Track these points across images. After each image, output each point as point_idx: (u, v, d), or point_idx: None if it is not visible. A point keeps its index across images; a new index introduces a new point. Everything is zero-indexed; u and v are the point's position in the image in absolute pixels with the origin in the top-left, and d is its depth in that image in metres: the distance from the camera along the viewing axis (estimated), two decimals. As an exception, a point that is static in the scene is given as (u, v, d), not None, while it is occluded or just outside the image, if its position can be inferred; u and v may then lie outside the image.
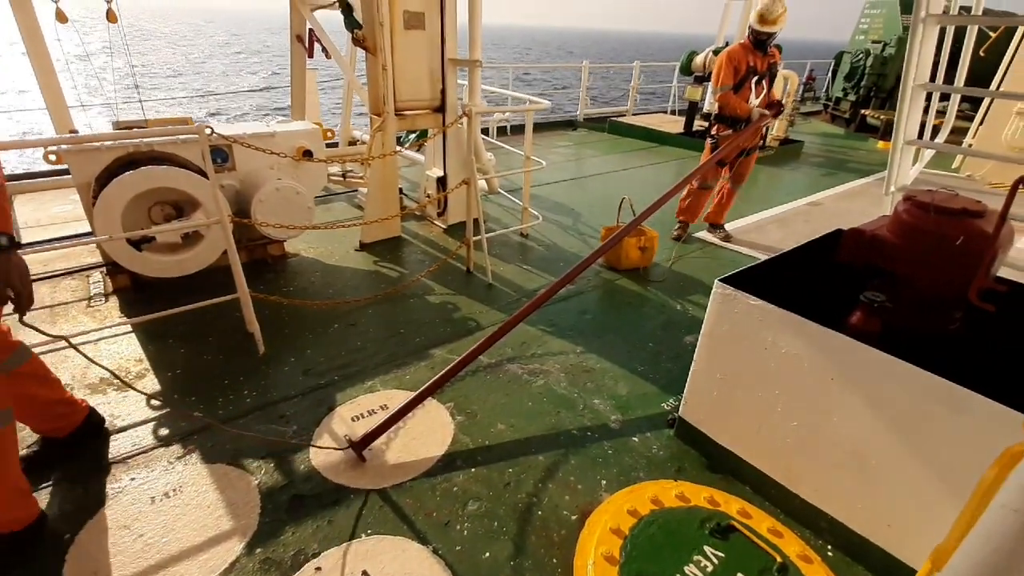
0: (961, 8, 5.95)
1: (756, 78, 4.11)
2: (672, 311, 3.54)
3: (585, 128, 10.16)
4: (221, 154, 3.54)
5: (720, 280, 1.99)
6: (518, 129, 9.65)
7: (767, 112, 4.03)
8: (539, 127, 10.07)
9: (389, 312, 3.36)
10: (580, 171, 7.29)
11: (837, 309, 2.00)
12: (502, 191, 5.43)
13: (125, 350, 2.86)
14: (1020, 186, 1.47)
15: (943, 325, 1.94)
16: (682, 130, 9.26)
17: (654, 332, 3.26)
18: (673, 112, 11.22)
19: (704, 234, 4.90)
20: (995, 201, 1.76)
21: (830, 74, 13.44)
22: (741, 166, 4.47)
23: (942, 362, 1.52)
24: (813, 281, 2.26)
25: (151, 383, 2.62)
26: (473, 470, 2.14)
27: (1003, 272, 1.96)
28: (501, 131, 8.83)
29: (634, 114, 11.03)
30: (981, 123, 7.49)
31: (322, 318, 3.23)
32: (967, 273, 1.80)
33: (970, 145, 7.44)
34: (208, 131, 2.59)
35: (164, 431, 2.30)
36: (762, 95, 4.17)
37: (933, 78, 3.22)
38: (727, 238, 4.81)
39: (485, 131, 8.72)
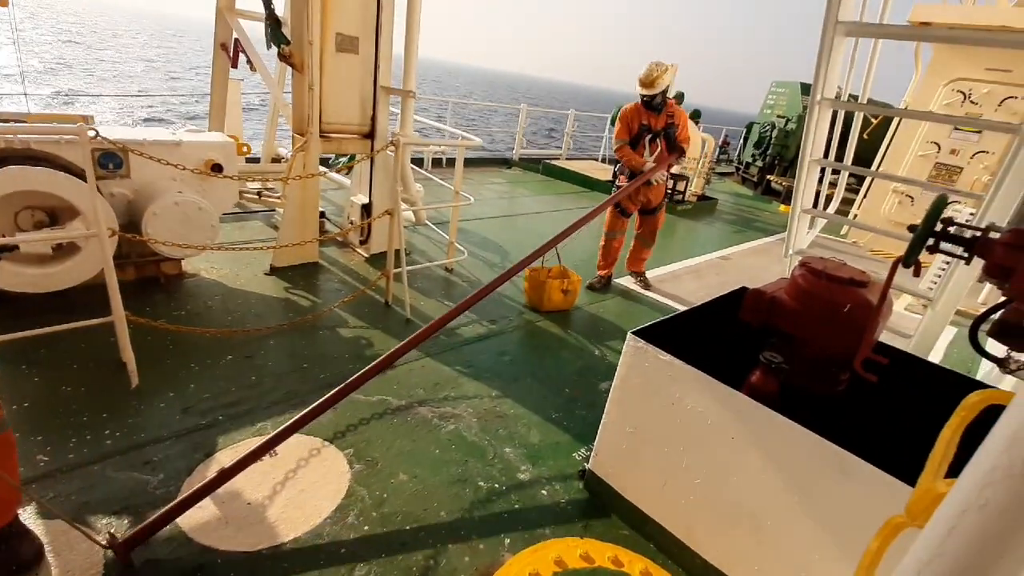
0: (850, 95, 6.78)
1: (650, 136, 4.33)
2: (590, 356, 3.55)
3: (520, 167, 10.37)
4: (115, 159, 3.19)
5: (633, 332, 1.99)
6: (454, 162, 9.69)
7: (656, 164, 4.26)
8: (475, 163, 10.16)
9: (294, 344, 3.11)
10: (512, 209, 7.37)
11: (743, 364, 2.07)
12: (430, 223, 5.34)
13: (-42, 376, 2.41)
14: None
15: (832, 386, 2.06)
16: (610, 178, 9.70)
17: (571, 377, 3.23)
18: (603, 160, 11.77)
19: (626, 279, 5.05)
20: (873, 266, 1.90)
21: (742, 140, 14.77)
22: (649, 223, 4.70)
23: (842, 424, 1.59)
24: (721, 335, 2.34)
25: (-15, 419, 2.20)
26: (366, 528, 1.95)
27: (883, 337, 2.12)
28: (437, 163, 8.80)
29: (567, 158, 11.44)
30: (864, 197, 8.46)
31: (214, 348, 2.92)
32: (852, 338, 1.92)
33: (855, 216, 8.36)
34: (92, 133, 2.31)
35: (-10, 479, 1.92)
36: (656, 152, 4.37)
37: (827, 154, 3.57)
38: (647, 285, 4.97)
39: (420, 162, 8.66)
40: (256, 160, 6.20)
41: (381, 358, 2.28)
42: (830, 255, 2.28)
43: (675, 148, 4.32)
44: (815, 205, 3.06)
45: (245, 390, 2.63)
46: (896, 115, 7.82)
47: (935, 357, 4.26)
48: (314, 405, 2.10)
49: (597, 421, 2.23)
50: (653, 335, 2.00)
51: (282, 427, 2.03)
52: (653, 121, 4.25)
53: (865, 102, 4.97)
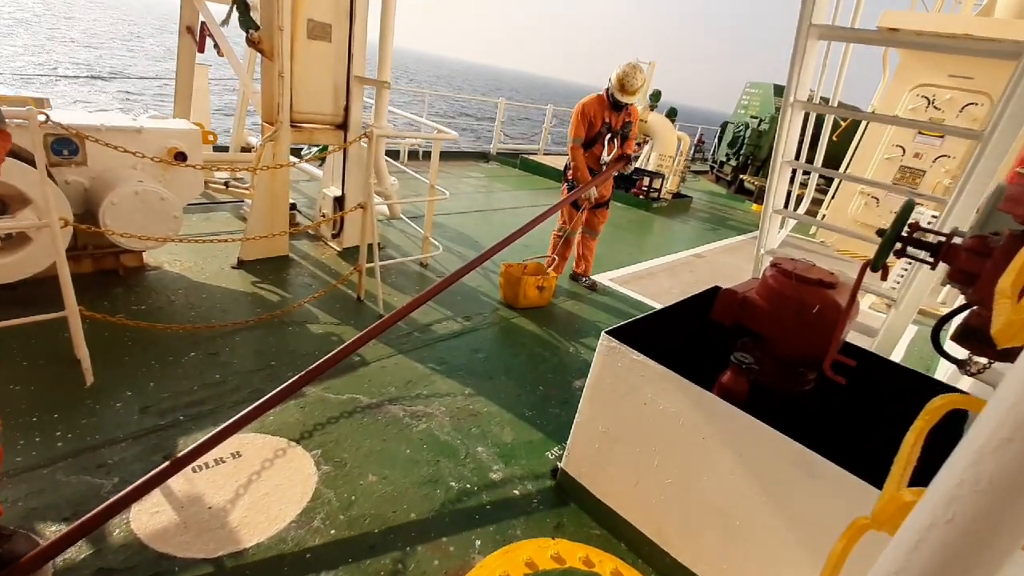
0: (822, 98, 6.93)
1: (609, 136, 4.19)
2: (565, 353, 3.55)
3: (497, 162, 10.32)
4: (70, 145, 3.03)
5: (607, 332, 1.99)
6: (431, 155, 9.57)
7: (617, 163, 4.18)
8: (452, 156, 10.07)
9: (261, 340, 3.02)
10: (489, 204, 7.32)
11: (715, 362, 2.08)
12: (404, 217, 5.25)
13: None
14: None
15: (800, 386, 2.09)
16: (563, 170, 9.74)
17: (545, 375, 3.22)
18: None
19: (599, 278, 5.06)
20: (841, 266, 1.93)
21: (716, 140, 15.00)
22: (598, 216, 4.54)
23: (810, 423, 1.61)
24: (694, 334, 2.36)
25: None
26: (333, 531, 1.90)
27: (849, 336, 2.16)
28: (413, 155, 8.68)
29: (545, 153, 11.43)
30: (833, 197, 8.68)
31: (176, 345, 2.81)
32: (821, 339, 1.96)
33: (823, 216, 8.57)
34: (42, 117, 2.18)
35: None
36: (614, 152, 4.24)
37: (798, 156, 3.63)
38: (592, 286, 4.75)
39: (396, 154, 8.53)
40: (225, 149, 6.00)
41: (339, 348, 2.22)
42: (800, 255, 2.33)
43: (624, 156, 4.20)
44: (786, 205, 3.11)
45: (208, 389, 2.54)
46: (865, 119, 8.00)
47: (897, 355, 4.40)
48: (268, 396, 2.02)
49: (570, 419, 2.22)
50: (626, 334, 1.99)
51: (235, 417, 1.94)
52: (614, 119, 4.12)
53: (836, 105, 5.08)
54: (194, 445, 1.86)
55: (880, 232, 1.37)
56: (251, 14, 3.49)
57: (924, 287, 2.78)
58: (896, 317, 3.00)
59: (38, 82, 16.10)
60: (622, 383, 1.94)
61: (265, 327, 3.14)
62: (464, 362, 3.19)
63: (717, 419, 1.70)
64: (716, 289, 2.73)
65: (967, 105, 7.56)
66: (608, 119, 4.12)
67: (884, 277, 1.40)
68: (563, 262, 4.59)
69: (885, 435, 2.06)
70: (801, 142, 3.56)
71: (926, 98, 7.84)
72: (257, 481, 2.07)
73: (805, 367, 2.08)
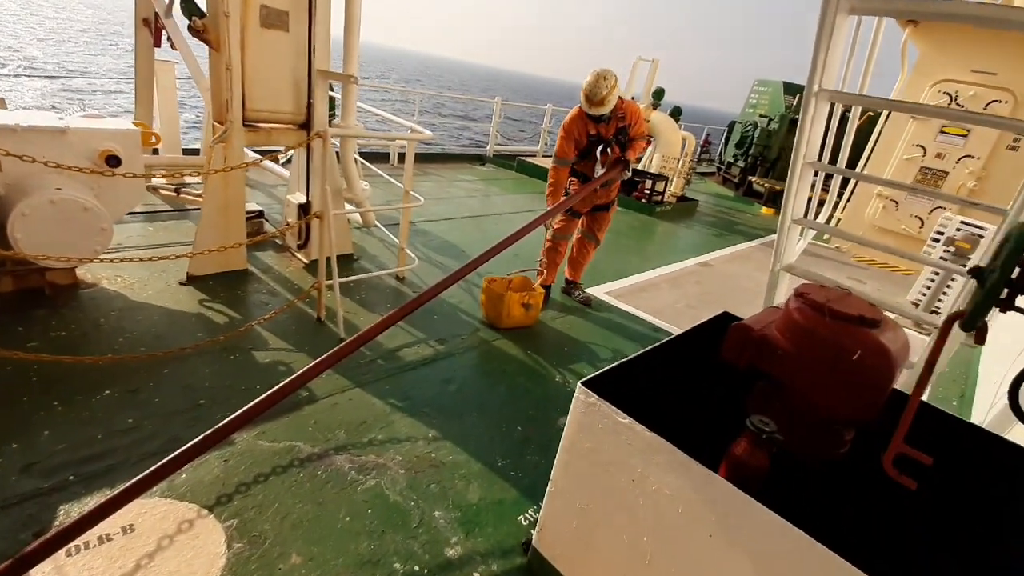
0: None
1: (602, 146, 3.78)
2: (550, 383, 3.11)
3: (494, 164, 9.90)
4: (-20, 148, 2.63)
5: (584, 383, 1.55)
6: (424, 157, 9.18)
7: (613, 168, 3.71)
8: (446, 158, 9.68)
9: (194, 373, 2.60)
10: (482, 209, 6.90)
11: (723, 411, 1.65)
12: (380, 225, 4.83)
13: None
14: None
15: (833, 449, 1.64)
16: None
17: (525, 411, 2.79)
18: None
19: (595, 292, 4.61)
20: (857, 273, 1.48)
21: (723, 140, 14.50)
22: (597, 220, 4.11)
23: (846, 498, 1.17)
24: (697, 373, 1.91)
25: None
26: (228, 644, 1.47)
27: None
28: (403, 157, 8.28)
29: (544, 155, 10.99)
30: (847, 201, 8.17)
31: (91, 380, 2.40)
32: (862, 393, 1.52)
33: (838, 222, 8.06)
34: None
35: None
36: (608, 160, 3.80)
37: (820, 155, 3.18)
38: (587, 301, 4.30)
39: (386, 156, 8.13)
40: (196, 152, 5.62)
41: (282, 384, 1.80)
42: (813, 263, 1.89)
43: (621, 160, 3.72)
44: (805, 214, 2.69)
45: (115, 438, 2.12)
46: (904, 110, 7.25)
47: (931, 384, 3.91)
48: (183, 448, 1.62)
49: (551, 470, 1.78)
50: (610, 384, 1.56)
51: (136, 478, 1.55)
52: (603, 129, 3.67)
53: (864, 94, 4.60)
54: (75, 518, 1.46)
55: (977, 272, 0.93)
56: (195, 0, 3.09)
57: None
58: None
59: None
60: (604, 451, 1.50)
61: (204, 355, 2.73)
62: (432, 396, 2.76)
63: (729, 512, 1.26)
64: (725, 317, 2.29)
65: (991, 103, 7.06)
66: (595, 131, 3.67)
67: (980, 340, 0.97)
68: (554, 269, 4.16)
69: (960, 513, 1.61)
70: (825, 139, 3.10)
71: (948, 94, 7.34)
72: (148, 567, 1.65)
73: (841, 426, 1.64)
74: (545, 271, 4.05)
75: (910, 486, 1.13)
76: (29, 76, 18.56)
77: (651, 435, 1.39)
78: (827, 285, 1.82)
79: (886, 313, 1.60)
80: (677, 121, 9.52)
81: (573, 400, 1.59)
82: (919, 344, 2.76)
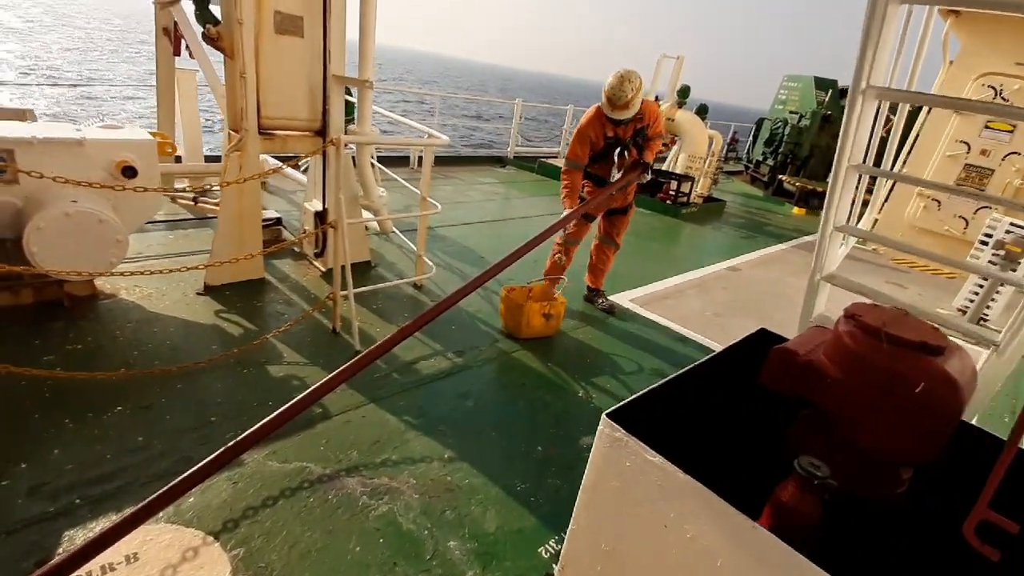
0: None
1: (619, 149, 3.63)
2: (572, 398, 2.97)
3: (514, 166, 9.79)
4: None
5: (608, 414, 1.41)
6: (443, 160, 9.11)
7: (632, 171, 3.53)
8: (465, 161, 9.60)
9: (207, 388, 2.55)
10: (502, 213, 6.79)
11: (764, 440, 1.49)
12: (398, 232, 4.75)
13: None
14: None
15: (889, 488, 1.47)
16: None
17: (546, 428, 2.66)
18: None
19: (619, 299, 4.45)
20: (895, 277, 1.31)
21: (751, 138, 14.08)
22: (614, 224, 3.95)
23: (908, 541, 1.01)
24: (732, 403, 1.76)
25: None
26: None
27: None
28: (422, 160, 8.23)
29: (565, 157, 10.84)
30: (886, 200, 7.79)
31: (104, 396, 2.36)
32: (924, 428, 1.35)
33: (875, 224, 7.69)
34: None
35: None
36: (626, 164, 3.66)
37: (865, 158, 2.96)
38: (610, 309, 4.15)
39: (394, 160, 8.09)
40: (218, 159, 5.65)
41: (295, 400, 1.71)
42: (850, 267, 1.71)
43: (640, 163, 3.55)
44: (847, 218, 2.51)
45: (125, 457, 2.07)
46: (957, 108, 6.86)
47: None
48: (191, 471, 1.55)
49: (573, 495, 1.65)
50: (637, 415, 1.42)
51: (142, 503, 1.48)
52: (621, 131, 3.52)
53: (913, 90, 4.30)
54: (78, 546, 1.39)
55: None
56: (209, 7, 3.05)
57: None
58: (995, 365, 2.32)
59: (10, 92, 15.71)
60: (631, 491, 1.36)
61: (217, 370, 2.68)
62: (448, 412, 2.65)
63: (775, 567, 1.11)
64: (762, 336, 2.12)
65: (1040, 96, 6.64)
66: (612, 133, 3.52)
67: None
68: (558, 270, 4.00)
69: None
70: (870, 139, 2.88)
71: (992, 88, 6.94)
72: (148, 601, 1.58)
73: (899, 464, 1.46)
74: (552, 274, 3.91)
75: (991, 557, 0.96)
76: (51, 85, 19.17)
77: (685, 477, 1.25)
78: (879, 302, 1.65)
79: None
80: (703, 119, 9.25)
81: (597, 433, 1.46)
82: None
